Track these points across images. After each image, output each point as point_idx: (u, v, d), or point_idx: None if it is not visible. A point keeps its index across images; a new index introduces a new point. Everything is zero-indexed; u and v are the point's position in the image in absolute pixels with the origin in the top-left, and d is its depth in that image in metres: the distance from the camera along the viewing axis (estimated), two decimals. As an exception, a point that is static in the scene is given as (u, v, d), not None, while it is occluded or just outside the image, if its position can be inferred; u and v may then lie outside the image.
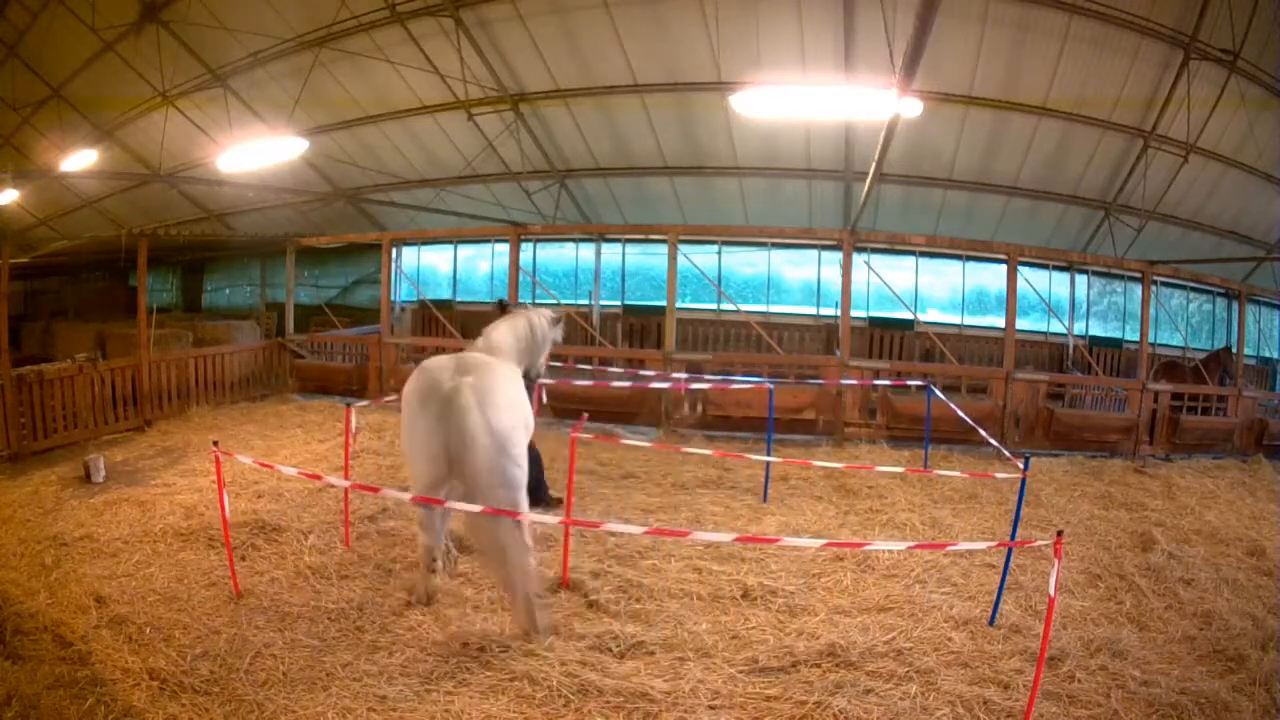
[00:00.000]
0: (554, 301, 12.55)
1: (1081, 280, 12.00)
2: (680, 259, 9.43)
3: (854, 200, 10.83)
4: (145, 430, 8.27)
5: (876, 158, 6.68)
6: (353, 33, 10.19)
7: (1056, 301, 11.78)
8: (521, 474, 4.07)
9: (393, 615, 4.08)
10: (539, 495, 5.84)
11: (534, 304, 5.49)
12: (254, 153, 9.41)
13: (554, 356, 9.60)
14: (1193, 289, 12.19)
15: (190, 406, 9.01)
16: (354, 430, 5.40)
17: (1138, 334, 9.67)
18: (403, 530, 5.26)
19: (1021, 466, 4.40)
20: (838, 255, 10.00)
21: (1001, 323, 10.02)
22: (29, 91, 12.51)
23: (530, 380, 5.40)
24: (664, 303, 9.53)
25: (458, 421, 3.86)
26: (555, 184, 12.30)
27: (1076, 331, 11.71)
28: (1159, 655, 3.92)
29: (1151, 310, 9.35)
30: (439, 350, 11.25)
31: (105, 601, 4.16)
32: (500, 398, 4.05)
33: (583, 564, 4.72)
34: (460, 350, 4.72)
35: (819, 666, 3.68)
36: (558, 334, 5.46)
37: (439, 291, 14.53)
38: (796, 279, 13.06)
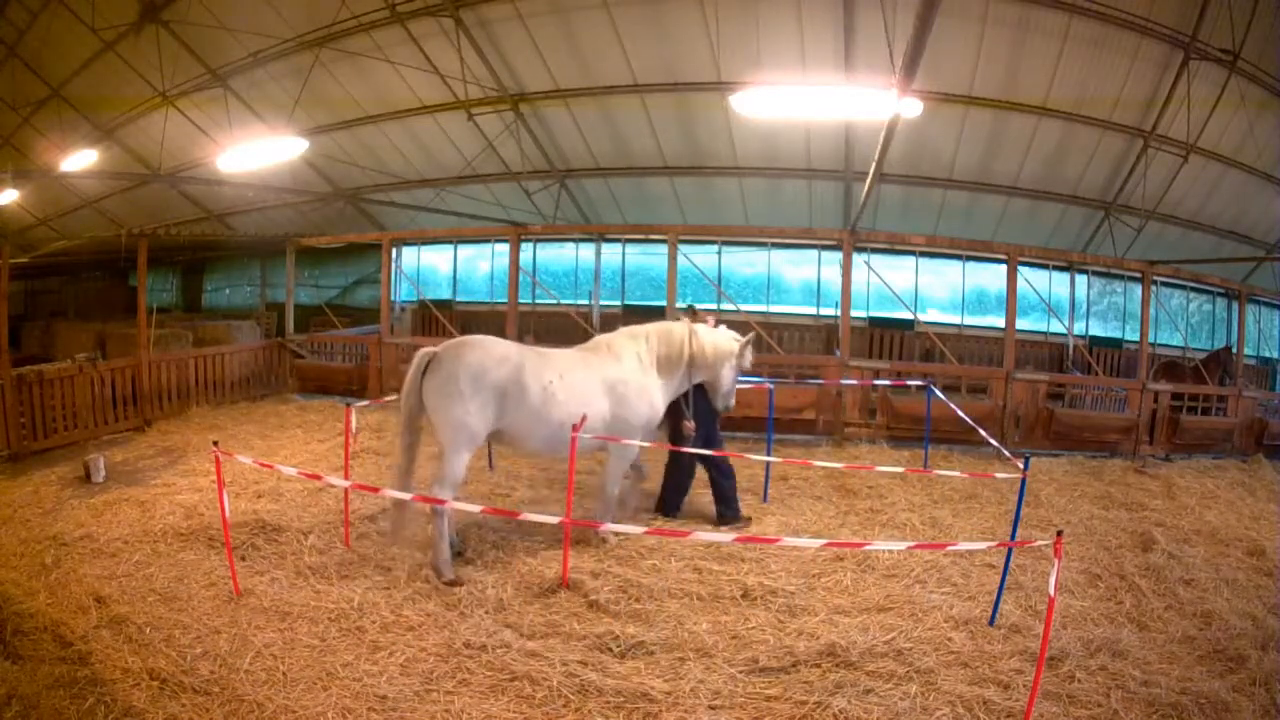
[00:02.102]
0: (554, 301, 12.56)
1: (1081, 280, 12.00)
2: (680, 259, 9.43)
3: (854, 200, 10.83)
4: (145, 430, 8.27)
5: (876, 158, 6.68)
6: (353, 33, 10.19)
7: (1056, 301, 11.78)
8: (449, 444, 4.63)
9: (393, 615, 4.08)
10: (728, 508, 5.60)
11: (743, 333, 5.48)
12: (254, 153, 9.41)
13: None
14: (1193, 289, 12.19)
15: (190, 406, 9.01)
16: (354, 430, 5.40)
17: (1138, 334, 9.68)
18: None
19: (1021, 466, 4.40)
20: (838, 255, 10.01)
21: (1001, 323, 10.03)
22: (29, 91, 12.51)
23: (718, 409, 5.47)
24: (664, 303, 9.52)
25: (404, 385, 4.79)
26: (555, 184, 12.30)
27: (1076, 331, 11.71)
28: (1159, 655, 3.92)
29: (1151, 310, 9.35)
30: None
31: (105, 601, 4.16)
32: (446, 368, 4.63)
33: (583, 564, 4.73)
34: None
35: (819, 666, 3.68)
36: (744, 360, 5.38)
37: (439, 291, 14.54)
38: (796, 279, 13.07)
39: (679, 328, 5.27)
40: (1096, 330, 12.33)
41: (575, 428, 4.75)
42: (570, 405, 4.83)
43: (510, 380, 4.67)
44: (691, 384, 5.37)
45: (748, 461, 6.71)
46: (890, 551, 4.91)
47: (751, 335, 5.53)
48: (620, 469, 5.18)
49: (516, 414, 4.72)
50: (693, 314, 5.77)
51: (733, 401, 5.53)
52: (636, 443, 5.09)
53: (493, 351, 4.73)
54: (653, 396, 5.16)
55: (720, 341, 5.31)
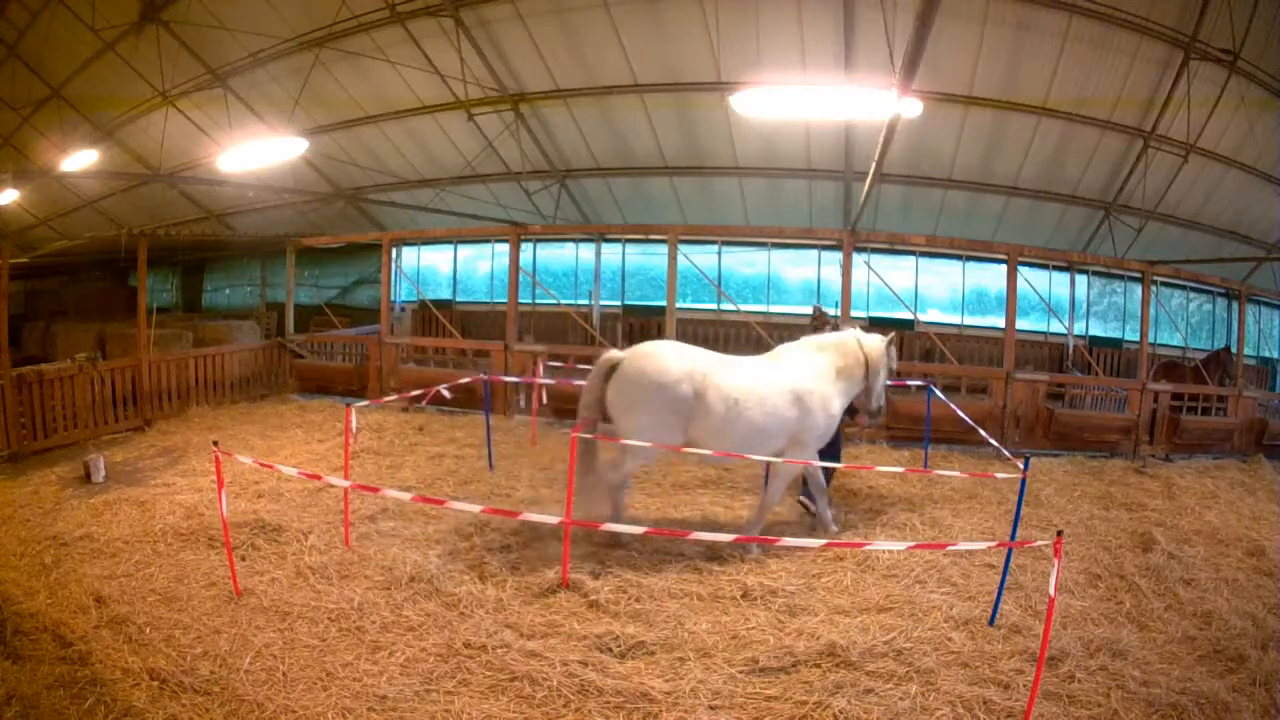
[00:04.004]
0: (554, 301, 12.57)
1: (1081, 280, 12.00)
2: (680, 259, 9.42)
3: (854, 200, 10.83)
4: (145, 430, 8.27)
5: (876, 158, 6.67)
6: (353, 33, 10.20)
7: (1056, 301, 11.78)
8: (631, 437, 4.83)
9: (393, 615, 4.08)
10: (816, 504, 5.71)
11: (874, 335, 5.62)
12: (254, 153, 9.41)
13: (554, 356, 9.66)
14: (1193, 289, 12.20)
15: (190, 406, 9.01)
16: (354, 430, 5.40)
17: (1138, 334, 9.67)
18: (403, 530, 5.26)
19: (1021, 466, 4.40)
20: (838, 255, 10.00)
21: (1001, 323, 10.02)
22: (29, 91, 12.51)
23: (871, 412, 5.67)
24: (664, 303, 9.52)
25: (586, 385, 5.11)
26: (555, 184, 12.30)
27: (1076, 331, 11.71)
28: (1159, 655, 3.92)
29: (1151, 310, 9.34)
30: (439, 350, 11.28)
31: (105, 601, 4.16)
32: (633, 380, 4.87)
33: (583, 564, 4.72)
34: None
35: (819, 666, 3.68)
36: (892, 361, 5.63)
37: (439, 291, 14.54)
38: (796, 279, 13.07)
39: (851, 338, 5.42)
40: (1096, 330, 12.34)
41: (575, 429, 4.75)
42: (756, 417, 4.93)
43: (696, 393, 4.80)
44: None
45: (748, 461, 6.71)
46: (890, 551, 4.91)
47: (893, 335, 5.67)
48: (787, 481, 5.30)
49: (703, 423, 4.85)
50: (820, 315, 5.98)
51: (884, 402, 5.75)
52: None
53: (678, 363, 4.84)
54: (831, 406, 5.25)
55: (877, 347, 5.44)
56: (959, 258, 12.22)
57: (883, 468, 6.78)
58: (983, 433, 6.06)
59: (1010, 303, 8.85)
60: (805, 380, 5.15)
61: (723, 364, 5.04)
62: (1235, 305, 10.74)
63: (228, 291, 17.30)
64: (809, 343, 5.46)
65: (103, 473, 6.42)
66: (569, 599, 4.32)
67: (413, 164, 12.73)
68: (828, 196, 11.63)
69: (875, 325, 11.82)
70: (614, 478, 5.02)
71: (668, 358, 4.88)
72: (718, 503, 6.12)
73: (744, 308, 11.96)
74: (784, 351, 5.40)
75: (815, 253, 12.64)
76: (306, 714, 3.24)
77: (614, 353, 5.06)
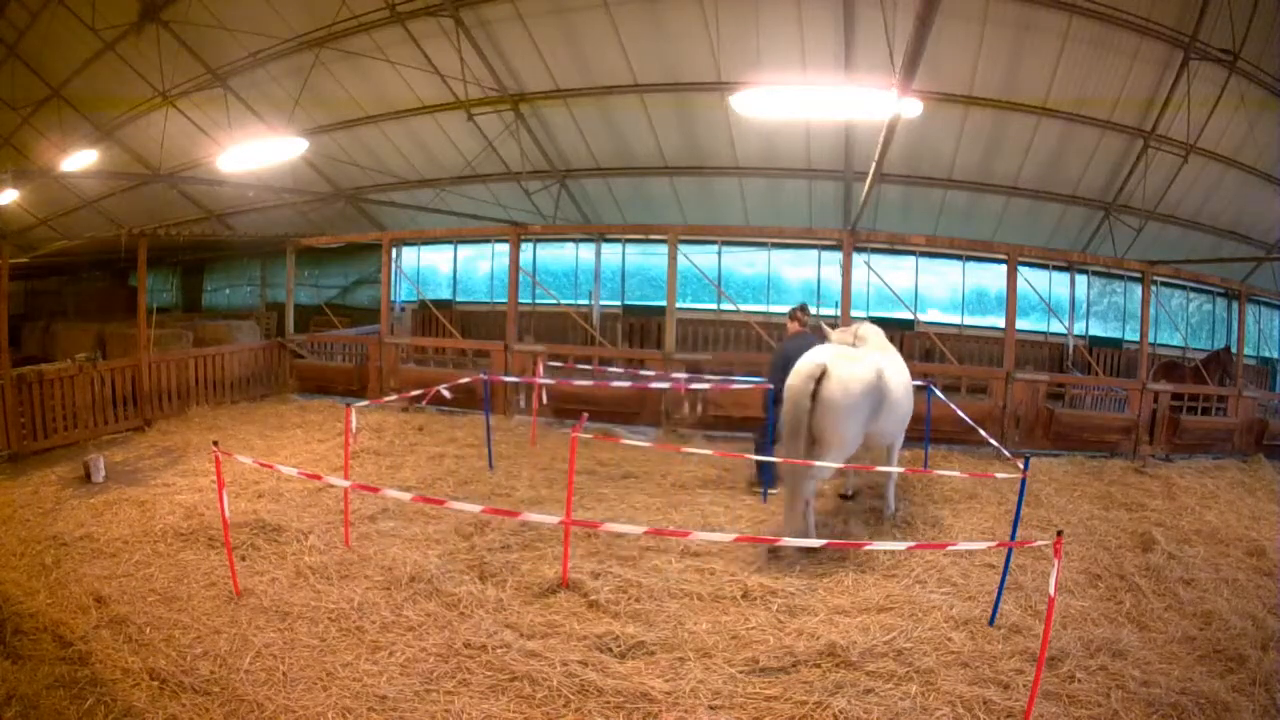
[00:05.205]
0: (554, 301, 12.57)
1: (1081, 280, 12.00)
2: (680, 259, 9.42)
3: (854, 200, 10.83)
4: (145, 430, 8.27)
5: (876, 158, 6.66)
6: (353, 33, 10.19)
7: (1056, 301, 11.78)
8: (837, 449, 5.00)
9: (393, 615, 4.08)
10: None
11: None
12: (254, 153, 9.40)
13: (554, 356, 9.66)
14: (1193, 289, 12.20)
15: (190, 406, 9.01)
16: (354, 430, 5.40)
17: (1138, 334, 9.67)
18: (403, 530, 5.26)
19: (1021, 466, 4.40)
20: (838, 255, 10.00)
21: (1001, 323, 10.02)
22: (29, 91, 12.50)
23: None
24: (664, 303, 9.52)
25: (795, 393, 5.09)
26: (555, 184, 12.30)
27: (1076, 331, 11.71)
28: (1159, 655, 3.92)
29: (1151, 310, 9.34)
30: (439, 350, 11.28)
31: (105, 601, 4.17)
32: (847, 384, 4.97)
33: (583, 564, 4.72)
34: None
35: (819, 666, 3.68)
36: None
37: (439, 291, 14.54)
38: (796, 279, 13.06)
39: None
40: (1096, 330, 12.34)
41: (576, 427, 4.75)
42: (906, 402, 5.45)
43: (884, 388, 5.17)
44: None
45: (748, 461, 6.72)
46: (890, 551, 4.91)
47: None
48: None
49: (885, 417, 5.20)
50: (804, 311, 6.34)
51: None
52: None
53: (870, 364, 5.10)
54: None
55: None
56: (959, 258, 12.22)
57: (883, 467, 6.76)
58: (983, 433, 6.05)
59: (1010, 303, 8.85)
60: (906, 368, 5.77)
61: (882, 360, 5.36)
62: (1235, 305, 10.74)
63: (228, 291, 17.29)
64: (881, 333, 5.95)
65: (103, 473, 6.42)
66: (569, 599, 4.32)
67: (413, 164, 12.72)
68: (828, 196, 11.62)
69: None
70: (812, 488, 5.06)
71: (863, 359, 5.12)
72: (718, 502, 6.12)
73: (744, 308, 11.96)
74: (876, 342, 5.78)
75: (815, 253, 12.64)
76: (306, 714, 3.24)
77: (813, 360, 5.00)
